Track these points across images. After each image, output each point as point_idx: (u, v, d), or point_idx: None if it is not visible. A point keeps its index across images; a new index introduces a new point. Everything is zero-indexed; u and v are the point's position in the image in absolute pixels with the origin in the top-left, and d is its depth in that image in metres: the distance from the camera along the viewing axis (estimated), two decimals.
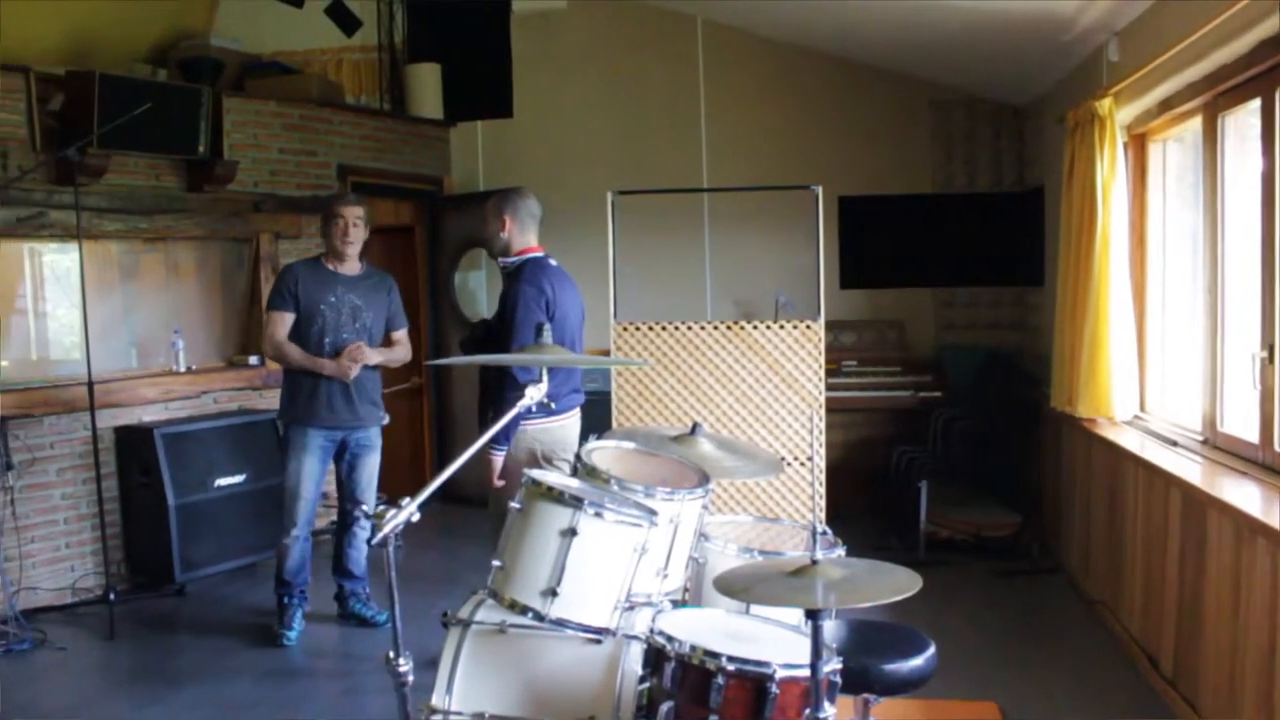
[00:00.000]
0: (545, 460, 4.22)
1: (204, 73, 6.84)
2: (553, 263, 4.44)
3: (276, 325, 4.96)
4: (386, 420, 5.30)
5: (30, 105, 5.53)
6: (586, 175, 7.41)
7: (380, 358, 5.11)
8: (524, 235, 4.41)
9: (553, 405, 2.92)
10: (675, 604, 3.08)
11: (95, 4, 6.76)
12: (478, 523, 6.50)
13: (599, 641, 2.80)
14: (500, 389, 4.08)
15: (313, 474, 5.00)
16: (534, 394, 2.64)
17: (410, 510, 2.27)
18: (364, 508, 5.10)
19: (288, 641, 4.98)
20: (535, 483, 2.77)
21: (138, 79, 6.21)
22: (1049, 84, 6.31)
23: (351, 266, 5.08)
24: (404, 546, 6.10)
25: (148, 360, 6.35)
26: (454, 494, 6.23)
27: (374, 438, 5.18)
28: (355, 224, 5.01)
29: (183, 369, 6.26)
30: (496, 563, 2.77)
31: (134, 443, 5.87)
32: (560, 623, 2.72)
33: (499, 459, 4.17)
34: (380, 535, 2.24)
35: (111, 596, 5.34)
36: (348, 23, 7.46)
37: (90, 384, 5.28)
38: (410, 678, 2.47)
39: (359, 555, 5.19)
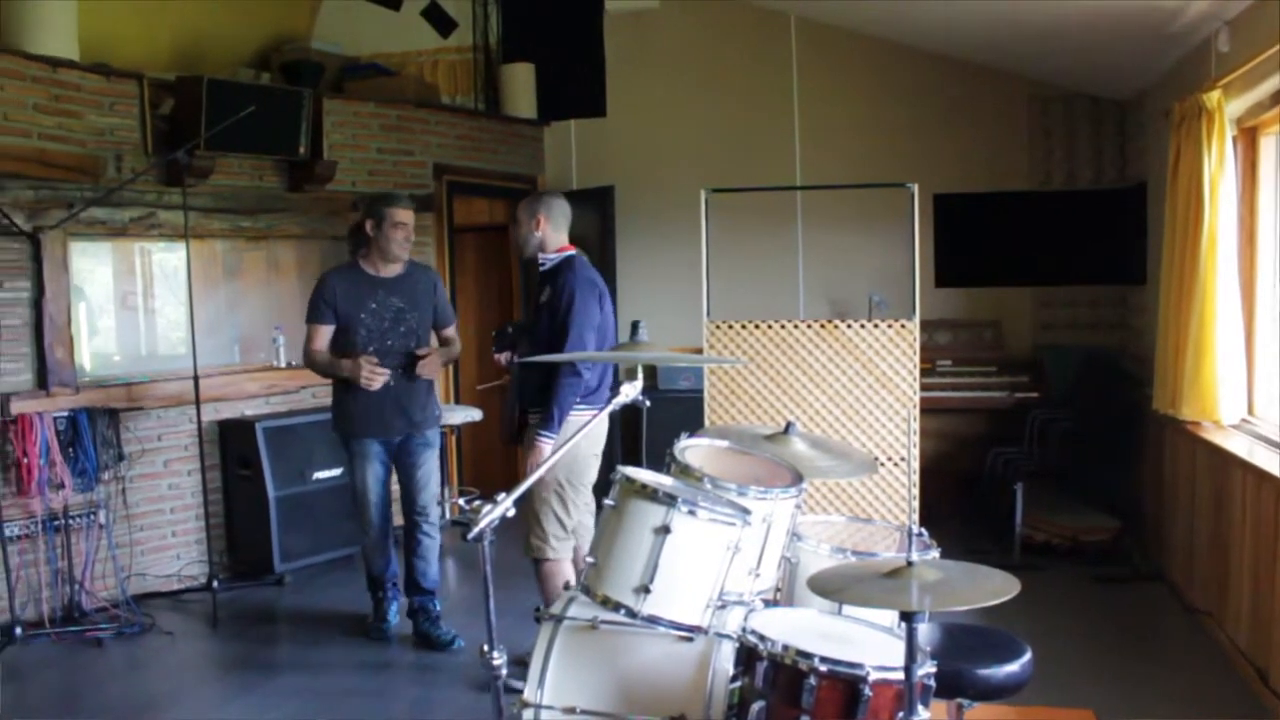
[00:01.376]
0: (579, 455, 4.33)
1: (305, 75, 6.99)
2: (584, 258, 4.50)
3: (311, 338, 4.83)
4: (442, 421, 5.21)
5: (143, 110, 5.73)
6: (679, 173, 7.42)
7: (440, 358, 5.00)
8: (558, 234, 4.44)
9: (648, 403, 2.88)
10: (767, 603, 3.07)
11: (203, 11, 6.97)
12: None
13: (690, 639, 2.80)
14: (550, 380, 4.18)
15: (377, 476, 4.92)
16: (630, 391, 2.64)
17: (506, 505, 2.30)
18: (427, 514, 5.01)
19: (386, 629, 5.04)
20: (630, 480, 2.78)
21: (242, 83, 6.38)
22: (1153, 77, 6.14)
23: (394, 268, 4.89)
24: (496, 541, 6.16)
25: (250, 356, 6.52)
26: None
27: (431, 438, 5.05)
28: (409, 225, 4.86)
29: (283, 364, 6.41)
30: (590, 559, 2.79)
31: (236, 436, 6.03)
32: (652, 620, 2.73)
33: (548, 445, 4.17)
34: (476, 530, 2.28)
35: (215, 584, 5.50)
36: (443, 24, 7.56)
37: (196, 378, 5.45)
38: (504, 671, 2.51)
39: (427, 566, 5.00)
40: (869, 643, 2.70)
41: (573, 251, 4.44)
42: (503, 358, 4.62)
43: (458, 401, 7.44)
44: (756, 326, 5.24)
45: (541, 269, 4.46)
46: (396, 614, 5.11)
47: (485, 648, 2.45)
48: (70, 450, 5.37)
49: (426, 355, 4.87)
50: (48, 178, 5.30)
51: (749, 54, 7.65)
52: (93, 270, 5.92)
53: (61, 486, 5.32)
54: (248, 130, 5.63)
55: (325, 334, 4.83)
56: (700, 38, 7.74)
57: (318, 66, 7.15)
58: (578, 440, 3.99)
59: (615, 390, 4.34)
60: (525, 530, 4.36)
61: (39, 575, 5.32)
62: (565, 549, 4.35)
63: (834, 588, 2.33)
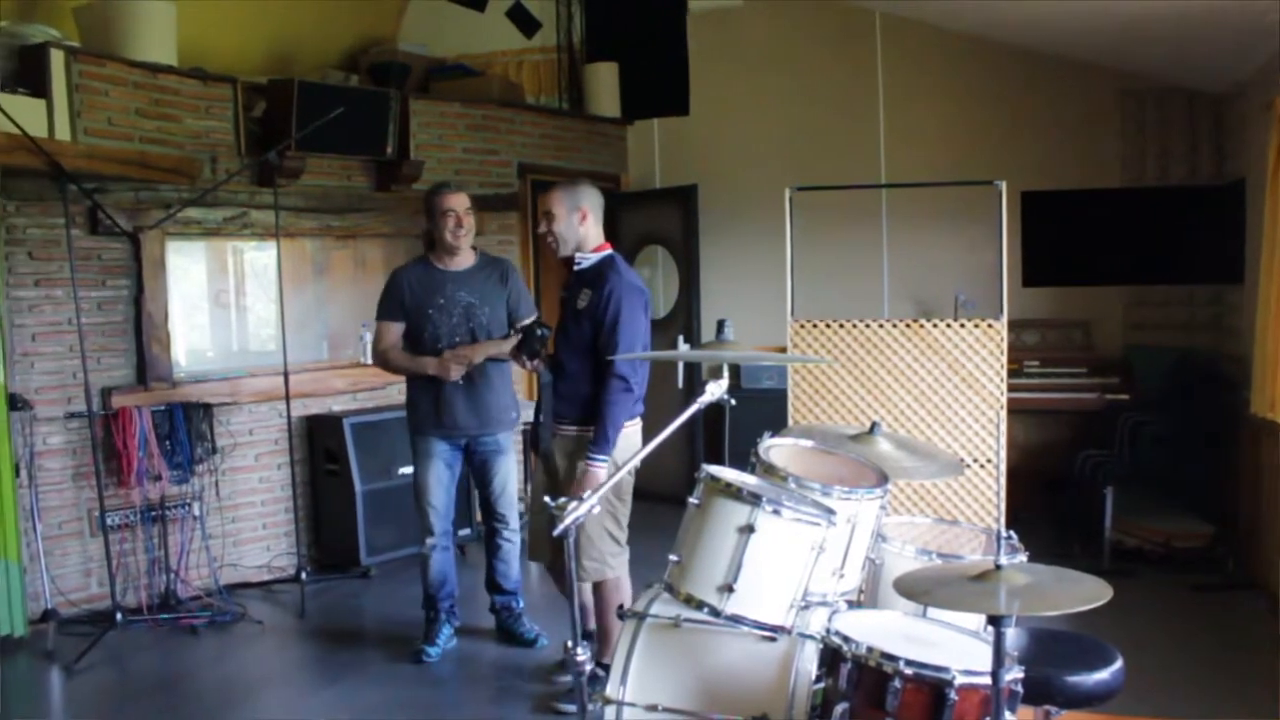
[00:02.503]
0: (626, 469, 3.94)
1: (392, 77, 7.10)
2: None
3: (381, 335, 4.76)
4: (518, 422, 5.02)
5: (237, 113, 5.88)
6: (763, 172, 7.39)
7: (492, 349, 4.68)
8: (598, 230, 4.13)
9: (733, 402, 2.82)
10: (851, 604, 3.05)
11: (294, 15, 7.13)
12: (653, 516, 6.58)
13: (774, 639, 2.80)
14: (590, 392, 3.93)
15: (441, 480, 4.75)
16: (715, 390, 2.64)
17: (591, 503, 2.32)
18: (506, 521, 4.89)
19: (427, 659, 4.71)
20: (714, 478, 2.79)
21: (332, 85, 6.50)
22: (1252, 69, 5.96)
23: (463, 260, 4.74)
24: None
25: (338, 353, 6.65)
26: (634, 489, 6.30)
27: (502, 443, 4.84)
28: (466, 214, 4.68)
29: (370, 361, 6.51)
30: (673, 557, 2.80)
31: (324, 431, 6.16)
32: (735, 619, 2.73)
33: (603, 469, 3.88)
34: (562, 527, 2.30)
35: (303, 576, 5.63)
36: (528, 25, 7.64)
37: (286, 374, 5.58)
38: (588, 667, 2.53)
39: (507, 569, 4.91)
40: (954, 646, 2.67)
41: (611, 250, 4.14)
42: (532, 364, 4.23)
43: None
44: (841, 326, 5.21)
45: (578, 269, 4.13)
46: (448, 639, 4.86)
47: (569, 643, 2.47)
48: (167, 443, 5.54)
49: (462, 354, 4.62)
50: (148, 179, 5.47)
51: (833, 51, 7.59)
52: (187, 269, 6.08)
53: (159, 478, 5.48)
54: (337, 131, 5.74)
55: (394, 331, 4.74)
56: (783, 35, 7.71)
57: (404, 68, 7.26)
58: (620, 456, 3.96)
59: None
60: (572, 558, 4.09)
61: (138, 563, 5.50)
62: (622, 562, 4.15)
63: (920, 590, 2.31)
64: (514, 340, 4.50)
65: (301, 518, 6.03)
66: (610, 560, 4.06)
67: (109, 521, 5.30)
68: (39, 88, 5.03)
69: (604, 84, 7.97)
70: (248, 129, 5.95)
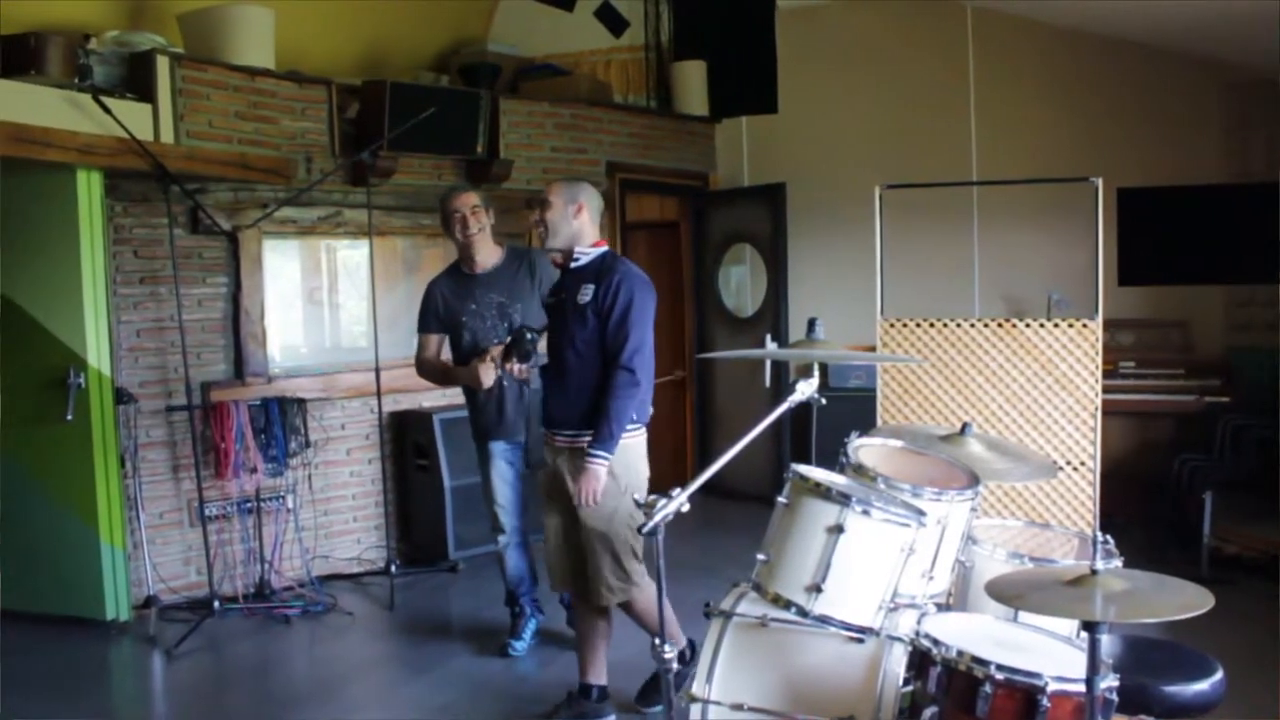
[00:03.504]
0: (640, 476, 3.86)
1: (482, 77, 7.18)
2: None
3: (420, 347, 4.73)
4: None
5: (331, 114, 6.00)
6: (852, 169, 7.33)
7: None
8: (594, 226, 3.91)
9: (823, 401, 2.77)
10: (940, 607, 3.02)
11: (386, 18, 7.25)
12: (738, 515, 6.60)
13: (861, 641, 2.78)
14: (605, 391, 3.69)
15: (505, 478, 4.72)
16: (805, 389, 2.63)
17: (680, 501, 2.33)
18: None
19: (514, 652, 4.74)
20: (803, 478, 2.78)
21: (423, 85, 6.60)
22: None
23: (486, 260, 4.65)
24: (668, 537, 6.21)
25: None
26: (716, 486, 6.30)
27: None
28: (473, 213, 4.57)
29: None
30: (761, 556, 2.80)
31: (414, 427, 6.25)
32: (823, 620, 2.72)
33: (603, 467, 3.68)
34: (650, 524, 2.31)
35: (392, 569, 5.72)
36: (616, 24, 7.67)
37: (377, 370, 5.67)
38: (675, 665, 2.53)
39: None
40: (1047, 652, 2.63)
41: (608, 248, 3.95)
42: (519, 369, 4.19)
43: None
44: (931, 325, 5.14)
45: (575, 264, 3.88)
46: (533, 635, 4.86)
47: (656, 641, 2.48)
48: (262, 437, 5.67)
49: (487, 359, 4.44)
50: (246, 180, 5.61)
51: (923, 46, 7.49)
52: (282, 267, 6.21)
53: (254, 471, 5.62)
54: (428, 131, 5.83)
55: (432, 342, 4.70)
56: (873, 31, 7.63)
57: (494, 68, 7.34)
58: (639, 466, 3.83)
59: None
60: (596, 579, 3.83)
61: (234, 553, 5.65)
62: (647, 578, 3.90)
63: (1013, 594, 2.28)
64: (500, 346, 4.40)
65: (391, 512, 6.13)
66: (635, 579, 3.85)
67: (207, 512, 5.47)
68: (146, 93, 5.20)
69: (692, 82, 7.96)
70: (342, 130, 6.07)
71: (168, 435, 5.53)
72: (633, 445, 3.81)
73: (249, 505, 5.67)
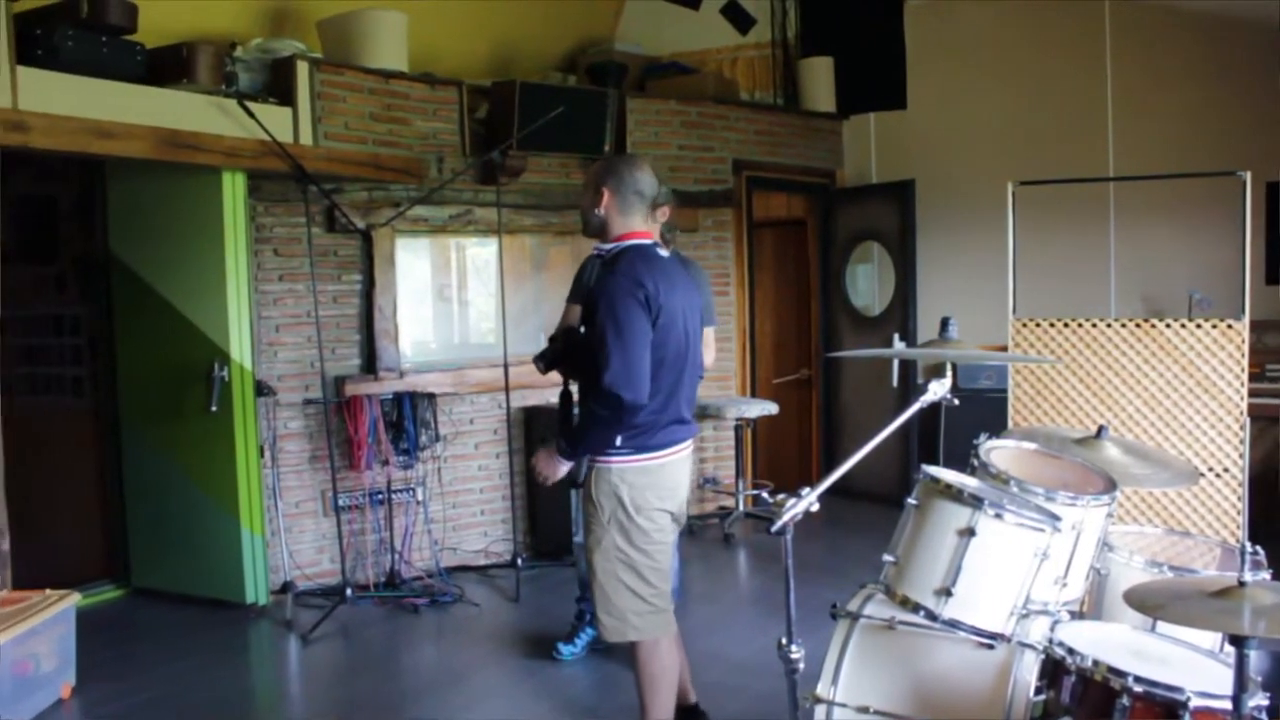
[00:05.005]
0: (634, 509, 3.29)
1: (609, 76, 7.24)
2: (662, 253, 3.41)
3: (563, 316, 4.58)
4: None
5: (462, 114, 6.13)
6: (983, 166, 7.17)
7: None
8: (626, 216, 3.36)
9: (955, 401, 2.58)
10: (1073, 615, 2.94)
11: (515, 19, 7.36)
12: (863, 516, 6.52)
13: (992, 647, 2.72)
14: (585, 397, 3.30)
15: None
16: (937, 389, 2.58)
17: (810, 500, 2.31)
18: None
19: (558, 655, 4.69)
20: (934, 479, 2.73)
21: (552, 85, 6.68)
22: None
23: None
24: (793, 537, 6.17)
25: None
26: (840, 486, 6.23)
27: None
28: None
29: None
30: (889, 558, 2.76)
31: (541, 422, 6.32)
32: (953, 624, 2.67)
33: (563, 468, 3.33)
34: (780, 523, 2.30)
35: (518, 562, 5.81)
36: (742, 22, 7.65)
37: (505, 366, 5.77)
38: (801, 665, 2.52)
39: None
40: (1188, 665, 2.54)
41: (640, 240, 3.37)
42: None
43: (754, 394, 7.50)
44: (1065, 325, 5.00)
45: (599, 260, 3.47)
46: (581, 645, 4.75)
47: (783, 640, 2.47)
48: (394, 430, 5.81)
49: None
50: (379, 180, 5.76)
51: (1057, 39, 7.27)
52: (413, 264, 6.36)
53: (386, 463, 5.76)
54: (556, 130, 5.91)
55: (573, 314, 4.38)
56: (1004, 24, 7.44)
57: (621, 67, 7.39)
58: (629, 497, 3.28)
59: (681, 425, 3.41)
60: (595, 602, 3.44)
61: (366, 543, 5.81)
62: (654, 624, 3.38)
63: (1154, 603, 2.20)
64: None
65: (518, 506, 6.22)
66: (633, 619, 3.34)
67: (340, 503, 5.63)
68: (286, 97, 5.40)
69: (819, 79, 7.90)
70: (472, 130, 6.19)
71: (304, 427, 5.72)
72: (619, 472, 3.30)
73: (380, 497, 5.82)
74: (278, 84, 5.44)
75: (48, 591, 4.45)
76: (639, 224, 3.38)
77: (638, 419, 3.21)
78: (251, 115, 5.00)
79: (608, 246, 3.39)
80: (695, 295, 3.50)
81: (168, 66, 5.03)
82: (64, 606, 4.39)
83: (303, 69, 5.44)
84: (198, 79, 5.07)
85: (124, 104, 4.70)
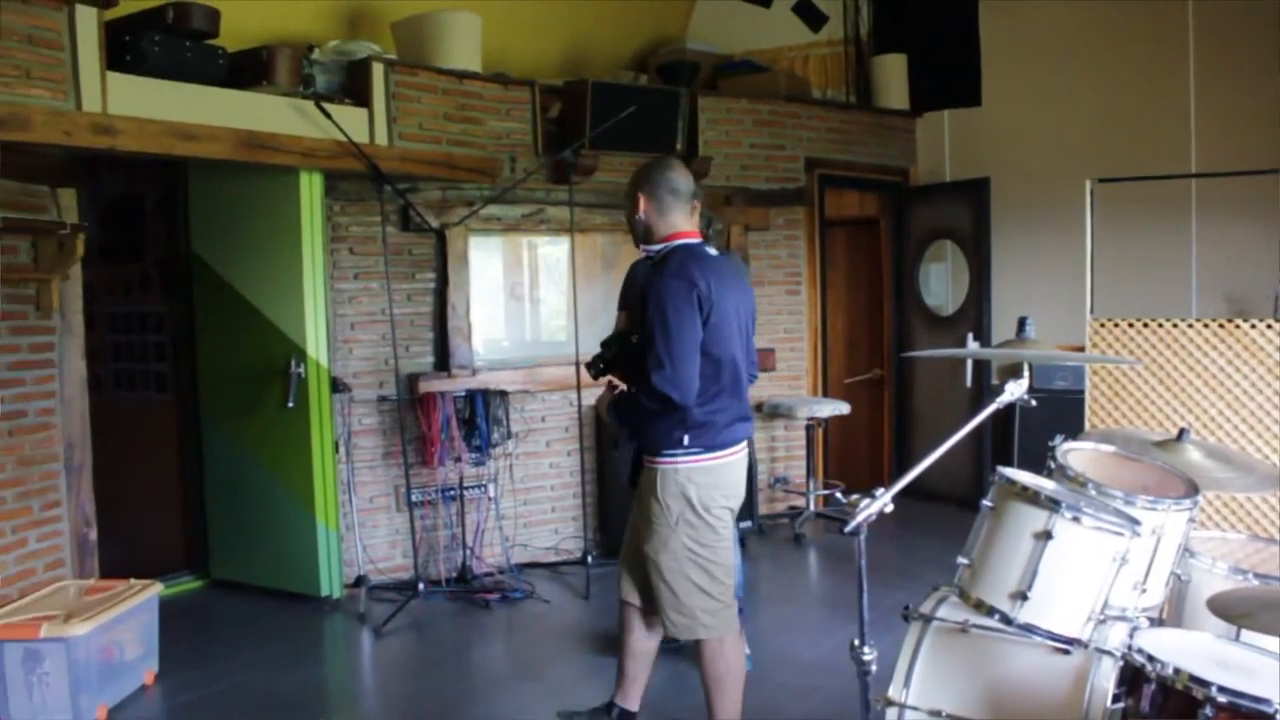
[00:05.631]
0: (703, 508, 3.36)
1: (681, 75, 7.24)
2: (711, 251, 3.46)
3: (617, 324, 4.46)
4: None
5: (534, 114, 6.18)
6: (1060, 163, 7.05)
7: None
8: (665, 217, 3.42)
9: (1033, 402, 2.54)
10: (1153, 621, 2.88)
11: (586, 19, 7.40)
12: (935, 517, 6.45)
13: (1068, 652, 2.68)
14: (638, 406, 3.36)
15: None
16: (1015, 389, 2.54)
17: (884, 501, 2.29)
18: None
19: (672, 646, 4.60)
20: (1010, 481, 2.69)
21: (623, 84, 6.70)
22: None
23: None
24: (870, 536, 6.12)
25: None
26: (912, 487, 6.16)
27: None
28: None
29: None
30: (963, 560, 2.73)
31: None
32: (1028, 628, 2.63)
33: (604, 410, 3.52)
34: (854, 524, 2.29)
35: (588, 559, 5.84)
36: (815, 19, 7.60)
37: (577, 364, 5.78)
38: (873, 667, 2.50)
39: None
40: (1275, 676, 2.47)
41: (687, 240, 3.43)
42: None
43: (825, 394, 7.46)
44: (1145, 325, 4.90)
45: (650, 263, 3.53)
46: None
47: (855, 642, 2.45)
48: (466, 427, 5.87)
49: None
50: (453, 179, 5.82)
51: (1138, 34, 7.12)
52: (485, 263, 6.41)
53: (458, 460, 5.82)
54: (628, 129, 5.93)
55: (623, 320, 4.51)
56: (1083, 19, 7.30)
57: (693, 66, 7.39)
58: (697, 496, 3.34)
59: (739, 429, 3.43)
60: (659, 608, 3.51)
61: (438, 538, 5.88)
62: (723, 620, 3.47)
63: (1240, 611, 2.15)
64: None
65: (589, 503, 6.25)
66: (702, 617, 3.42)
67: (413, 498, 5.71)
68: (362, 98, 5.47)
69: (892, 76, 7.82)
70: (544, 129, 6.24)
71: (378, 424, 5.80)
72: (685, 472, 3.35)
73: (452, 493, 5.88)
74: (354, 85, 5.52)
75: (132, 581, 4.58)
76: (682, 223, 3.44)
77: (701, 417, 3.30)
78: (328, 116, 5.09)
79: (656, 248, 3.45)
80: (748, 294, 3.56)
81: (248, 69, 5.14)
82: (147, 596, 4.51)
83: (378, 70, 5.51)
84: (276, 81, 5.17)
85: (206, 106, 4.80)
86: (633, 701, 3.78)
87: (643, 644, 3.73)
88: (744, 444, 3.47)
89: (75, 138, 4.29)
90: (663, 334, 3.21)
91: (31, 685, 4.02)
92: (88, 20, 4.33)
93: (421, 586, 5.46)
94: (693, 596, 3.40)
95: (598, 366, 3.59)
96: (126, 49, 4.57)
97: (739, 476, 3.47)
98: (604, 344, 3.65)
